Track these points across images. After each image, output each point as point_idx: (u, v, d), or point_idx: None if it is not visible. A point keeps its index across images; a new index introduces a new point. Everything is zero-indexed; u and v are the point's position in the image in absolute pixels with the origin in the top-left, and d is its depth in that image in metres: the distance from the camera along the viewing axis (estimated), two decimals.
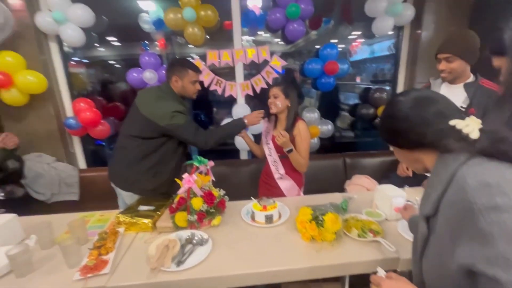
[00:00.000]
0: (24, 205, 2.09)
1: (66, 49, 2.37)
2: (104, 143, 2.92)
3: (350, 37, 2.88)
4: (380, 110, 2.42)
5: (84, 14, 2.01)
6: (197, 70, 1.60)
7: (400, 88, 2.59)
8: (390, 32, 2.46)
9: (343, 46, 2.96)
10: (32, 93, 2.05)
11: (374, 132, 2.87)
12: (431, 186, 0.60)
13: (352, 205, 1.40)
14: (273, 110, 1.62)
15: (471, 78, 1.43)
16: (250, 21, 2.32)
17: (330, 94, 2.84)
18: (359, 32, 2.80)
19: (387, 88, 2.74)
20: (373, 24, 2.23)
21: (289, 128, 1.60)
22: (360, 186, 2.16)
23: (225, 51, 2.20)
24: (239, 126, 1.66)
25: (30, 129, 2.22)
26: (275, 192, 1.69)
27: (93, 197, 2.31)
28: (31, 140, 2.24)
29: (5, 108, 2.11)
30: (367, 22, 2.33)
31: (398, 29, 2.47)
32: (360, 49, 3.05)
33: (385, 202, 1.27)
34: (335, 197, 1.49)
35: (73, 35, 2.04)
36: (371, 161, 2.50)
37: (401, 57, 2.52)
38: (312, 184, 2.36)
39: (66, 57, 2.35)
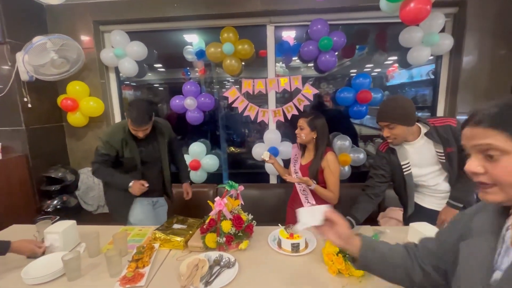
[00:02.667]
0: (75, 214, 2.34)
1: (122, 77, 2.72)
2: None
3: (386, 62, 2.84)
4: None
5: (139, 50, 2.32)
6: (134, 123, 1.56)
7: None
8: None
9: (379, 70, 2.93)
10: (92, 116, 2.38)
11: None
12: None
13: (383, 239, 1.34)
14: (298, 140, 1.68)
15: (423, 129, 1.40)
16: (284, 51, 2.46)
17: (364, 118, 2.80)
18: (395, 58, 2.77)
19: (427, 114, 2.62)
20: (409, 54, 2.20)
21: (317, 160, 1.62)
22: (395, 219, 2.04)
23: (259, 80, 2.34)
24: (123, 185, 1.67)
25: (87, 146, 2.54)
26: None
27: None
28: (87, 157, 2.55)
29: (69, 128, 2.48)
30: (402, 51, 2.32)
31: (437, 57, 2.41)
32: (397, 73, 2.98)
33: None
34: (365, 230, 1.45)
35: (128, 67, 2.36)
36: None
37: (441, 85, 2.43)
38: (344, 214, 2.28)
39: (120, 83, 2.70)
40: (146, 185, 1.67)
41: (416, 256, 0.75)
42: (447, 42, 2.12)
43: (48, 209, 2.18)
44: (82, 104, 2.28)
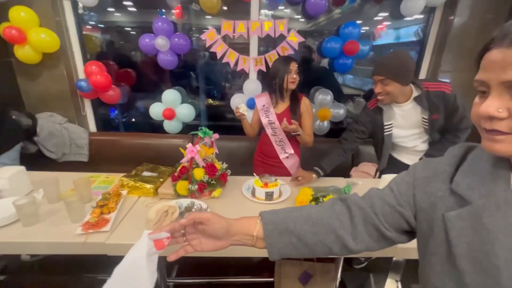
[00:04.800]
0: (37, 161, 2.16)
1: (80, 11, 2.32)
2: (116, 111, 2.94)
3: (376, 18, 2.69)
4: None
5: None
6: None
7: (422, 75, 2.45)
8: (419, 16, 2.28)
9: (367, 28, 2.79)
10: (45, 51, 2.05)
11: None
12: None
13: (355, 191, 1.36)
14: (292, 86, 1.56)
15: (415, 92, 1.37)
16: None
17: (346, 78, 2.73)
18: (386, 14, 2.61)
19: None
20: (403, 3, 2.06)
21: (295, 105, 1.58)
22: (366, 173, 2.12)
23: (241, 22, 2.10)
24: None
25: (42, 88, 2.25)
26: (275, 171, 1.62)
27: (101, 160, 2.38)
28: (44, 99, 2.28)
29: (20, 65, 2.14)
30: (396, 1, 2.16)
31: (429, 12, 2.28)
32: (385, 32, 2.86)
33: None
34: (339, 182, 1.48)
35: None
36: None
37: (428, 43, 2.35)
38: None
39: (81, 20, 2.32)
40: None
41: (365, 215, 0.58)
42: None
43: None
44: (30, 35, 1.93)
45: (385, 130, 1.47)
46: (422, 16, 2.32)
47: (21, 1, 1.96)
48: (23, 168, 1.29)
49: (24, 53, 1.99)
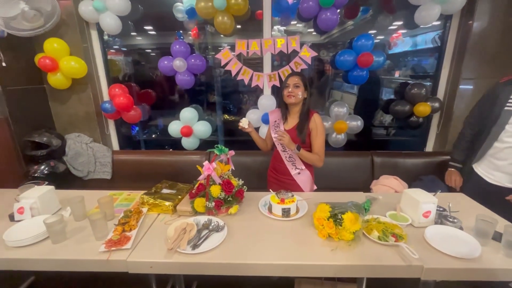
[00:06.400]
0: (64, 180, 2.29)
1: (106, 37, 2.51)
2: (137, 128, 3.09)
3: (390, 27, 2.67)
4: (417, 107, 2.23)
5: (121, 3, 2.09)
6: None
7: (442, 84, 2.36)
8: (436, 23, 2.23)
9: (381, 37, 2.77)
10: (74, 77, 2.22)
11: (409, 131, 2.67)
12: None
13: (376, 206, 1.33)
14: (292, 100, 1.53)
15: None
16: (282, 10, 2.25)
17: (363, 89, 2.70)
18: (400, 23, 2.59)
19: (428, 84, 2.51)
20: (417, 13, 2.03)
21: (303, 122, 1.54)
22: (388, 187, 2.04)
23: (254, 40, 2.17)
24: None
25: (71, 110, 2.42)
26: (289, 189, 1.61)
27: (123, 177, 2.48)
28: (72, 121, 2.45)
29: (52, 91, 2.33)
30: (409, 11, 2.14)
31: (446, 18, 2.24)
32: (401, 41, 2.82)
33: (413, 206, 1.18)
34: (358, 196, 1.43)
35: (110, 23, 2.15)
36: (402, 161, 2.33)
37: (447, 50, 2.29)
38: (335, 181, 2.29)
39: (105, 45, 2.50)
40: None
41: None
42: (459, 0, 1.94)
43: (36, 174, 2.12)
44: (62, 64, 2.11)
45: (507, 104, 1.36)
46: (439, 22, 2.27)
47: (55, 33, 2.16)
48: (52, 187, 1.37)
49: (56, 79, 2.17)
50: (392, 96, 2.70)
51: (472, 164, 1.54)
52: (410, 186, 1.77)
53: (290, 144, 1.48)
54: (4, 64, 1.99)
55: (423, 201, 1.14)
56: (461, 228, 1.11)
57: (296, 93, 1.52)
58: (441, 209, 1.22)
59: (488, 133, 1.44)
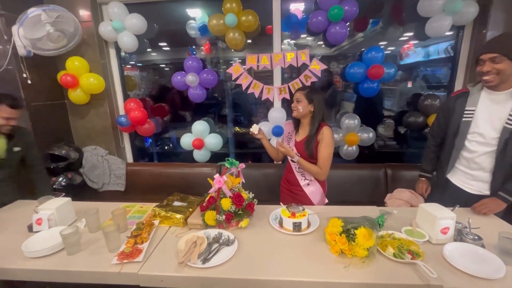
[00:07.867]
0: (80, 191, 2.36)
1: (123, 54, 2.64)
2: (150, 140, 3.17)
3: (401, 39, 2.67)
4: (431, 119, 2.18)
5: (138, 23, 2.21)
6: (14, 105, 1.52)
7: None
8: (449, 33, 2.21)
9: (392, 48, 2.76)
10: (93, 93, 2.33)
11: (423, 142, 2.60)
12: None
13: (390, 221, 1.28)
14: (294, 114, 1.62)
15: None
16: (292, 25, 2.31)
17: (374, 100, 2.67)
18: (411, 34, 2.58)
19: (441, 94, 2.46)
20: (427, 24, 2.03)
21: (312, 134, 1.57)
22: (402, 201, 1.97)
23: (264, 55, 2.22)
24: None
25: (89, 124, 2.52)
26: (300, 200, 1.64)
27: (136, 189, 2.53)
28: (89, 134, 2.55)
29: (72, 106, 2.45)
30: (420, 22, 2.13)
31: (458, 28, 2.21)
32: (413, 51, 2.80)
33: (430, 222, 1.13)
34: (371, 211, 1.39)
35: (128, 42, 2.26)
36: (417, 174, 2.26)
37: (460, 60, 2.25)
38: (347, 194, 2.24)
39: (122, 61, 2.63)
40: None
41: None
42: (471, 10, 1.92)
43: (54, 186, 2.20)
44: (82, 80, 2.23)
45: (464, 116, 1.36)
46: (451, 32, 2.25)
47: (76, 51, 2.29)
48: (69, 199, 1.41)
49: (76, 95, 2.29)
50: (405, 108, 2.66)
51: (445, 175, 1.52)
52: (426, 200, 1.71)
53: (289, 151, 1.58)
54: (29, 81, 2.12)
55: (441, 216, 1.10)
56: (483, 246, 1.06)
57: (297, 107, 1.58)
58: (460, 225, 1.16)
59: (452, 144, 1.44)
